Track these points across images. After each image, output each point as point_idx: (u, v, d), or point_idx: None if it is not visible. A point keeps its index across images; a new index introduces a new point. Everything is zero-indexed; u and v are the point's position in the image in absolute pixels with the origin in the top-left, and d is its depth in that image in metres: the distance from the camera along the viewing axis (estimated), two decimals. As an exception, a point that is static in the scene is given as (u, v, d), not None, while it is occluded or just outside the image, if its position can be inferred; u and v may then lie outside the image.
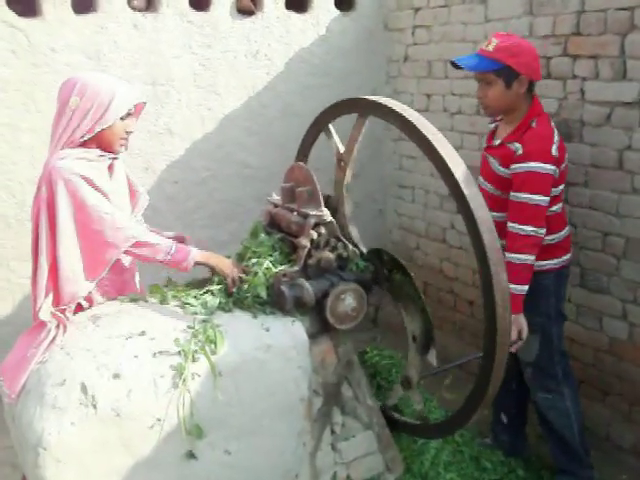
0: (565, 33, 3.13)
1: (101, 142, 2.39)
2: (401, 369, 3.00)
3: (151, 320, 2.33)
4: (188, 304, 2.42)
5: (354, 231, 2.62)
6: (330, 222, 2.50)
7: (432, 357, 2.46)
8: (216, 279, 2.52)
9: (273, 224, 2.71)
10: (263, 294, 2.43)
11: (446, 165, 2.17)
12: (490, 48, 2.65)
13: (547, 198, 2.61)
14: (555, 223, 2.74)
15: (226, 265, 2.49)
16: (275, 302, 2.44)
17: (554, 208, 2.73)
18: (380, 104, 2.41)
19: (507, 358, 2.25)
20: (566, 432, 2.85)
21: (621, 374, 3.14)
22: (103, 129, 2.35)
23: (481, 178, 2.88)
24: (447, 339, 4.04)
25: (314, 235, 2.45)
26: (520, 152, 2.63)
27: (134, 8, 3.85)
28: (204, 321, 2.33)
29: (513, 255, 2.58)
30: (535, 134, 2.65)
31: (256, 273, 2.46)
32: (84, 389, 2.07)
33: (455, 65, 2.76)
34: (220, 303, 2.44)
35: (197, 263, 2.45)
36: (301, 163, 2.76)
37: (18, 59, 3.52)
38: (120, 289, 2.55)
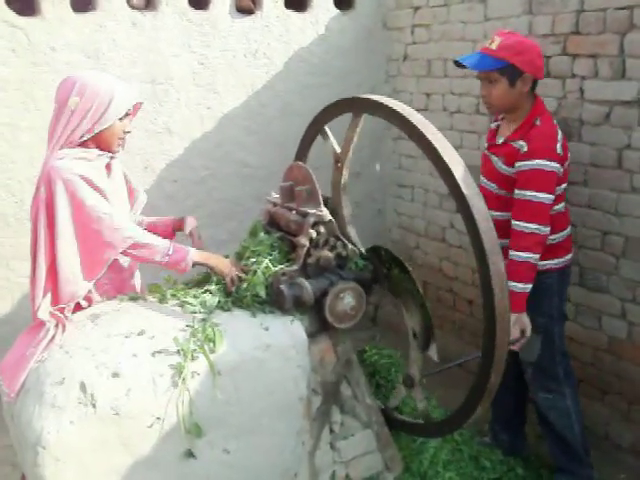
0: (564, 32, 3.13)
1: (99, 142, 2.39)
2: (400, 368, 3.00)
3: (150, 319, 2.33)
4: (187, 303, 2.43)
5: (353, 232, 2.62)
6: (329, 221, 2.50)
7: (433, 352, 2.46)
8: (215, 278, 2.53)
9: (272, 223, 2.71)
10: (262, 293, 2.43)
11: (445, 164, 2.17)
12: (493, 46, 2.64)
13: (552, 196, 2.60)
14: (558, 222, 2.74)
15: (225, 265, 2.49)
16: (274, 301, 2.44)
17: (557, 207, 2.72)
18: (380, 104, 2.41)
19: (506, 356, 2.25)
20: (567, 432, 2.84)
21: (620, 373, 3.15)
22: (102, 129, 2.35)
23: (483, 178, 2.87)
24: (447, 338, 4.04)
25: (313, 234, 2.45)
26: (525, 150, 2.62)
27: (133, 6, 3.85)
28: (203, 320, 2.33)
29: (517, 253, 2.58)
30: (540, 132, 2.64)
31: (255, 272, 2.46)
32: (83, 388, 2.07)
33: (458, 64, 2.75)
34: (219, 302, 2.44)
35: (195, 263, 2.45)
36: (300, 162, 2.76)
37: (18, 58, 3.52)
38: (119, 288, 2.55)
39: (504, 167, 2.72)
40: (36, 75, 3.57)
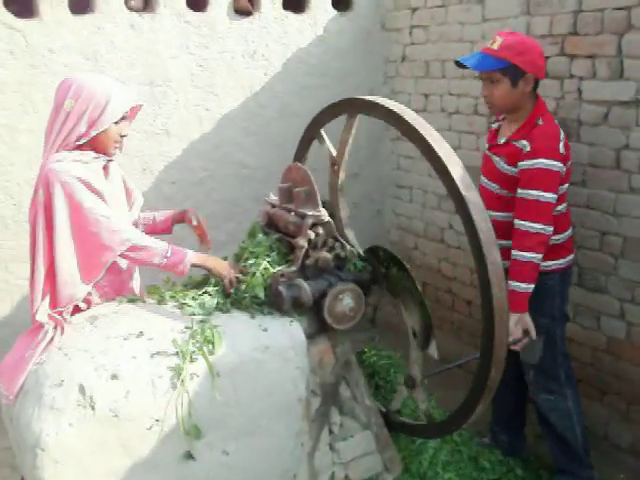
0: (562, 33, 3.13)
1: (96, 145, 2.39)
2: (400, 369, 3.00)
3: (149, 321, 2.33)
4: (186, 305, 2.42)
5: (351, 235, 2.62)
6: (328, 222, 2.50)
7: (433, 350, 2.46)
8: (213, 280, 2.52)
9: (271, 224, 2.71)
10: (261, 294, 2.43)
11: (444, 165, 2.17)
12: (495, 47, 2.63)
13: (555, 196, 2.59)
14: (561, 223, 2.73)
15: (223, 267, 2.49)
16: (273, 302, 2.44)
17: (559, 208, 2.71)
18: (378, 104, 2.41)
19: (506, 356, 2.24)
20: (568, 433, 2.84)
21: (619, 373, 3.14)
22: (98, 133, 2.35)
23: (484, 178, 2.86)
24: (445, 339, 4.04)
25: (312, 235, 2.45)
26: (528, 149, 2.61)
27: (131, 8, 3.85)
28: (202, 322, 2.33)
29: (521, 253, 2.56)
30: (542, 132, 2.64)
31: (254, 273, 2.46)
32: (82, 390, 2.07)
33: (460, 64, 2.74)
34: (218, 304, 2.44)
35: (193, 265, 2.44)
36: (299, 163, 2.76)
37: (16, 60, 3.52)
38: (118, 289, 2.55)
39: (506, 167, 2.71)
40: (34, 77, 3.57)
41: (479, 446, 3.09)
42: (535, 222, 2.56)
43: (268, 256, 2.54)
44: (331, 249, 2.49)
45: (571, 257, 2.84)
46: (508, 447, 3.10)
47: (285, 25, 4.20)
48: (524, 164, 2.61)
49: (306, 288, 2.37)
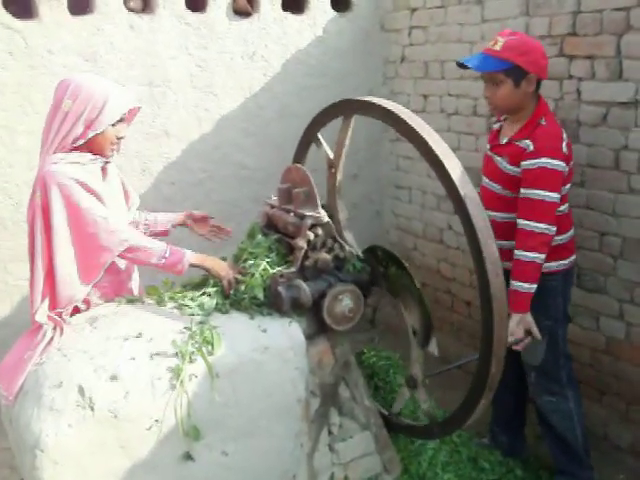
0: (561, 33, 3.13)
1: (92, 147, 2.39)
2: (399, 370, 3.00)
3: (148, 322, 2.33)
4: (185, 305, 2.43)
5: (349, 236, 2.62)
6: (327, 223, 2.50)
7: (433, 347, 2.46)
8: (212, 280, 2.52)
9: (270, 225, 2.71)
10: (260, 295, 2.43)
11: (443, 166, 2.17)
12: (497, 47, 2.61)
13: (559, 196, 2.58)
14: (563, 223, 2.72)
15: (221, 267, 2.49)
16: (272, 303, 2.44)
17: (562, 208, 2.70)
18: (375, 105, 2.41)
19: (506, 356, 2.24)
20: (568, 434, 2.83)
21: (618, 374, 3.15)
22: (95, 134, 2.34)
23: (485, 178, 2.85)
24: (445, 340, 4.03)
25: (311, 236, 2.46)
26: (531, 149, 2.60)
27: (130, 9, 3.85)
28: (201, 322, 2.33)
29: (525, 253, 2.55)
30: (545, 131, 2.63)
31: (253, 274, 2.46)
32: (81, 391, 2.07)
33: (461, 65, 2.73)
34: (217, 304, 2.44)
35: (192, 265, 2.45)
36: (298, 164, 2.76)
37: (15, 61, 3.52)
38: (117, 290, 2.55)
39: (509, 167, 2.70)
40: (33, 78, 3.57)
41: (478, 447, 3.09)
42: (540, 222, 2.54)
43: (267, 257, 2.54)
44: (330, 250, 2.49)
45: (573, 258, 2.83)
46: (508, 448, 3.10)
47: (284, 26, 4.20)
48: (527, 163, 2.60)
49: (305, 289, 2.37)
